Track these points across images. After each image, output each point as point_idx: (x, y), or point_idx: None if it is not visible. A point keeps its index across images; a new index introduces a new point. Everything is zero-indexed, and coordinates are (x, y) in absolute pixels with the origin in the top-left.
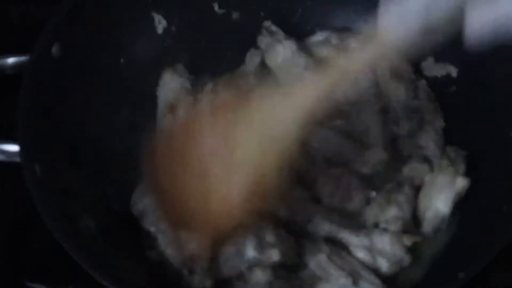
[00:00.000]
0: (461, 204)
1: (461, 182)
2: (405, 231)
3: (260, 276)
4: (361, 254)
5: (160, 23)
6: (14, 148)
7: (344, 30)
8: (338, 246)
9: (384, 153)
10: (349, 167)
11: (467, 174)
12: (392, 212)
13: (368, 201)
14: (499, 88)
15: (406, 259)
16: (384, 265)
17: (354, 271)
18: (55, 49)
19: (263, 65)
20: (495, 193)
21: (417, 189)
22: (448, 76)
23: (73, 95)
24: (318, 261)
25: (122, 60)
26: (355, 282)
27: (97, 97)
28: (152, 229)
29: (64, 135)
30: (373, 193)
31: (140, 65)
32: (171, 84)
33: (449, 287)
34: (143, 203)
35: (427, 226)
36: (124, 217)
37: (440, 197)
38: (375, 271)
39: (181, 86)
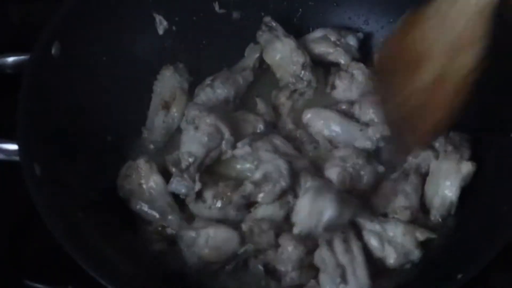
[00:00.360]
0: (461, 204)
1: (467, 167)
2: (414, 220)
3: None
4: (371, 240)
5: (161, 24)
6: (13, 147)
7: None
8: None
9: (387, 128)
10: (353, 145)
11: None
12: (400, 202)
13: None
14: (499, 90)
15: (416, 253)
16: (391, 255)
17: (350, 264)
18: (55, 49)
19: (261, 60)
20: (495, 193)
21: (423, 176)
22: None
23: (72, 94)
24: (320, 252)
25: (122, 61)
26: (343, 279)
27: (97, 97)
28: (142, 209)
29: (64, 134)
30: (381, 167)
31: (140, 66)
32: (169, 81)
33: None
34: (129, 184)
35: (436, 213)
36: (124, 217)
37: (447, 183)
38: (382, 261)
39: (178, 85)
